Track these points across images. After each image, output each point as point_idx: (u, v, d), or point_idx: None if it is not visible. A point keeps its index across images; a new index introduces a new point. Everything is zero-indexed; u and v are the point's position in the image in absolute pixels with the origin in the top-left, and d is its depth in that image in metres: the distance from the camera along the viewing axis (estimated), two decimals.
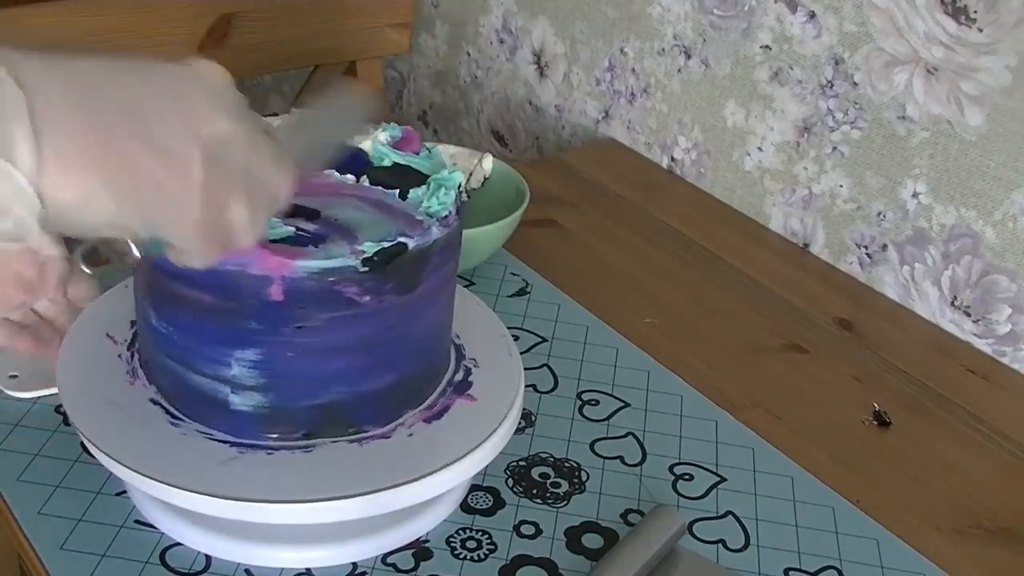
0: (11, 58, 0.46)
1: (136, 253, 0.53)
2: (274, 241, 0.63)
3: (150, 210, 0.49)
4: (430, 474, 0.67)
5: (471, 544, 0.72)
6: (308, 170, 0.60)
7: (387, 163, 0.73)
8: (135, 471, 0.65)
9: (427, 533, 0.73)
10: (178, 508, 0.68)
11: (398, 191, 0.70)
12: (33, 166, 0.45)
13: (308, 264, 0.62)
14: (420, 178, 0.71)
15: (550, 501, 0.76)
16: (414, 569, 0.70)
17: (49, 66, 0.47)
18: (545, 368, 0.90)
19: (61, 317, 0.71)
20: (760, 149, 1.17)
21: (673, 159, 1.28)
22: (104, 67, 0.49)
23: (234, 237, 0.54)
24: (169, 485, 0.64)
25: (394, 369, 0.69)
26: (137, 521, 0.72)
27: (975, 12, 0.94)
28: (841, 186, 1.10)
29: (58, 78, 0.47)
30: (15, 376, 0.82)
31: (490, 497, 0.76)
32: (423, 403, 0.72)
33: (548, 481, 0.78)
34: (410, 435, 0.70)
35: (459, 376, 0.74)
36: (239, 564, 0.69)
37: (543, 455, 0.81)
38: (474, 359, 0.76)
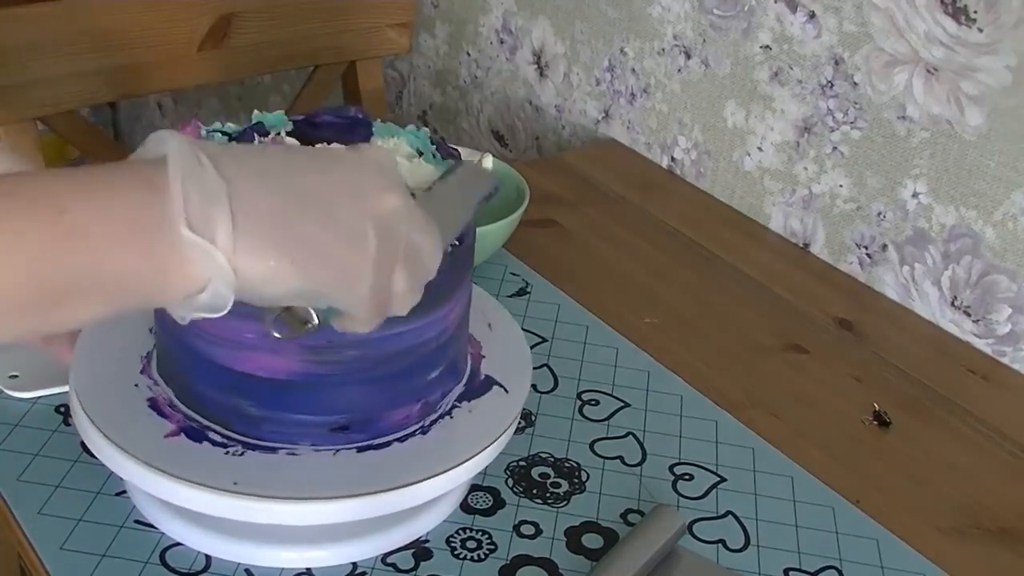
0: (210, 148, 0.52)
1: (316, 320, 0.57)
2: None
3: (328, 283, 0.55)
4: (429, 478, 0.67)
5: (471, 544, 0.72)
6: (451, 239, 0.65)
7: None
8: (138, 461, 0.65)
9: (427, 533, 0.73)
10: (178, 508, 0.68)
11: None
12: (230, 246, 0.51)
13: None
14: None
15: (550, 501, 0.76)
16: (414, 569, 0.70)
17: (241, 157, 0.54)
18: (545, 368, 0.90)
19: None
20: (760, 149, 1.17)
21: (673, 159, 1.28)
22: (286, 157, 0.56)
23: (395, 305, 0.59)
24: (171, 476, 0.64)
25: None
26: (137, 521, 0.72)
27: (975, 12, 0.94)
28: (841, 186, 1.10)
29: (250, 168, 0.53)
30: (15, 376, 0.82)
31: (490, 497, 0.76)
32: (433, 409, 0.72)
33: (548, 481, 0.78)
34: (417, 437, 0.70)
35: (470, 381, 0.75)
36: (239, 564, 0.69)
37: (543, 455, 0.81)
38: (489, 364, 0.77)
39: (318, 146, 0.68)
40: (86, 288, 0.50)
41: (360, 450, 0.68)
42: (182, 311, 0.54)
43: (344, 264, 0.55)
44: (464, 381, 0.75)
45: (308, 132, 0.73)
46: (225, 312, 0.53)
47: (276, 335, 0.58)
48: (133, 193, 0.50)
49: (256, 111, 0.75)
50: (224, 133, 0.72)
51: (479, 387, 0.74)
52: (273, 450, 0.67)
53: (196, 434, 0.68)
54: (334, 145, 0.69)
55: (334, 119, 0.74)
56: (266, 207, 0.52)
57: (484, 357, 0.77)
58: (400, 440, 0.69)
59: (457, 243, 0.68)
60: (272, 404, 0.67)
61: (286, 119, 0.74)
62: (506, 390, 0.74)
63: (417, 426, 0.70)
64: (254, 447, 0.67)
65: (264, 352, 0.65)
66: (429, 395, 0.71)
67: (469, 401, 0.73)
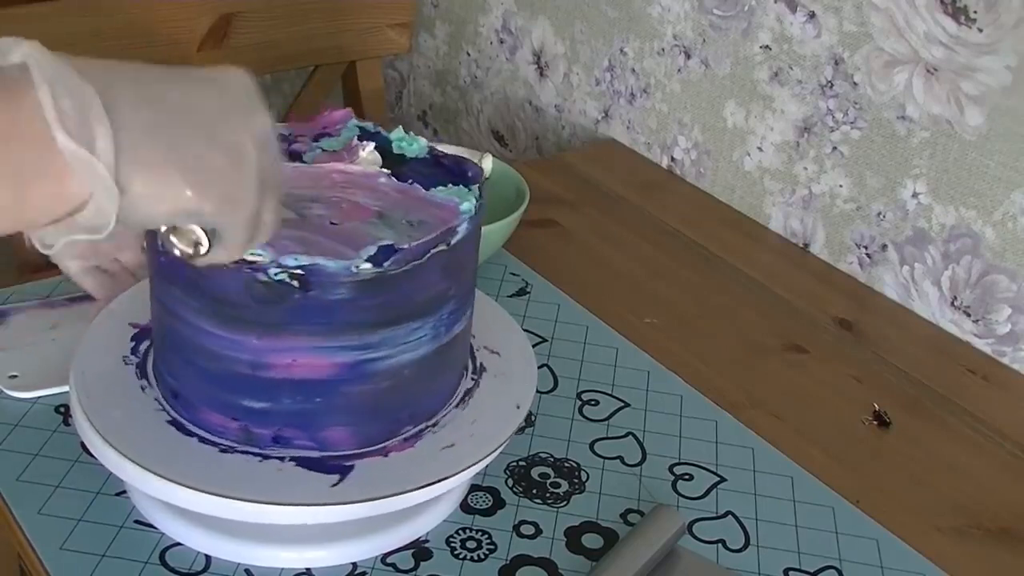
0: (73, 60, 0.47)
1: (206, 242, 0.54)
2: None
3: (217, 201, 0.51)
4: (427, 485, 0.67)
5: (471, 544, 0.72)
6: None
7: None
8: (138, 464, 0.65)
9: (427, 533, 0.73)
10: (178, 508, 0.68)
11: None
12: (112, 157, 0.46)
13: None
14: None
15: (550, 501, 0.76)
16: (414, 569, 0.70)
17: (109, 65, 0.48)
18: (545, 368, 0.90)
19: (141, 270, 0.76)
20: (760, 149, 1.17)
21: (673, 159, 1.28)
22: (157, 70, 0.51)
23: (262, 233, 0.56)
24: (170, 481, 0.64)
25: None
26: (137, 521, 0.72)
27: (975, 12, 0.94)
28: (841, 186, 1.10)
29: (122, 76, 0.48)
30: (15, 376, 0.82)
31: (490, 497, 0.76)
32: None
33: (548, 481, 0.78)
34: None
35: (471, 387, 0.75)
36: (239, 564, 0.69)
37: (543, 455, 0.81)
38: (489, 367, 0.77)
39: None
40: None
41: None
42: (52, 236, 0.49)
43: (231, 182, 0.51)
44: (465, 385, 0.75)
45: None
46: (103, 236, 0.48)
47: (177, 254, 0.54)
48: None
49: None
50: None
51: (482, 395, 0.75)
52: (273, 454, 0.67)
53: (307, 461, 0.67)
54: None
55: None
56: (146, 117, 0.48)
57: (489, 365, 0.77)
58: (399, 446, 0.69)
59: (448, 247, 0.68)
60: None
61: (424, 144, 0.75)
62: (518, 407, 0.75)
63: (418, 429, 0.70)
64: (252, 452, 0.67)
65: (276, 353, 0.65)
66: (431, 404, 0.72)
67: (469, 405, 0.73)
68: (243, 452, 0.67)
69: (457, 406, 0.72)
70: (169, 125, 0.49)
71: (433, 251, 0.64)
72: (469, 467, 0.68)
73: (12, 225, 0.47)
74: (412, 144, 0.74)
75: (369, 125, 0.75)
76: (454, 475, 0.67)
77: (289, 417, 0.66)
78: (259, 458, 0.66)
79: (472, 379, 0.75)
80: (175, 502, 0.65)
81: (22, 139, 0.45)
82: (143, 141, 0.48)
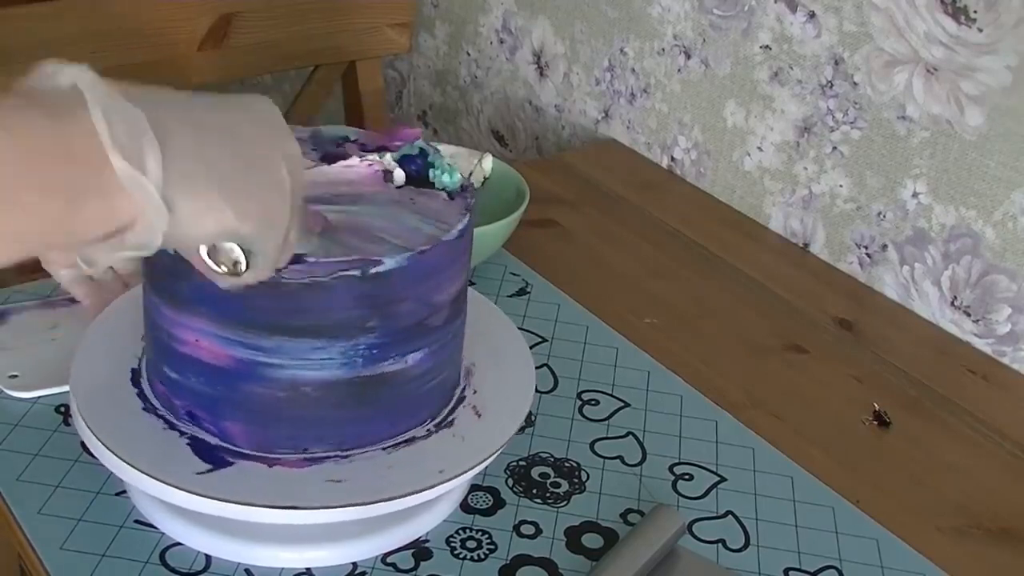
0: (117, 84, 0.49)
1: (246, 262, 0.55)
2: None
3: (257, 221, 0.53)
4: (426, 489, 0.67)
5: (471, 544, 0.72)
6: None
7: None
8: (136, 469, 0.65)
9: (427, 533, 0.73)
10: (178, 508, 0.68)
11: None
12: (160, 177, 0.48)
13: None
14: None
15: (550, 501, 0.76)
16: (414, 569, 0.70)
17: (150, 90, 0.50)
18: (545, 368, 0.90)
19: (134, 279, 0.76)
20: (760, 149, 1.17)
21: (673, 159, 1.28)
22: (188, 95, 0.53)
23: (288, 251, 0.58)
24: (170, 485, 0.64)
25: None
26: (137, 521, 0.72)
27: (975, 12, 0.94)
28: (841, 186, 1.10)
29: (163, 100, 0.50)
30: (15, 376, 0.82)
31: (490, 497, 0.76)
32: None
33: (548, 481, 0.78)
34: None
35: (467, 390, 0.75)
36: (239, 564, 0.69)
37: (543, 455, 0.81)
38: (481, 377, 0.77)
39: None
40: None
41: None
42: (101, 253, 0.50)
43: (268, 203, 0.53)
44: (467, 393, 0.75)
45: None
46: (149, 253, 0.50)
47: (222, 285, 0.56)
48: (34, 121, 0.46)
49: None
50: None
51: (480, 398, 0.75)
52: (271, 458, 0.67)
53: (200, 444, 0.68)
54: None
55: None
56: (191, 141, 0.50)
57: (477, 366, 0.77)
58: (398, 447, 0.69)
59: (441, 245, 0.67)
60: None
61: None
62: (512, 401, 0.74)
63: (325, 453, 0.69)
64: (251, 455, 0.67)
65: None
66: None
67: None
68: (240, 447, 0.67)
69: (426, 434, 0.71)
70: (212, 148, 0.51)
71: (340, 273, 0.62)
72: (445, 480, 0.68)
73: (66, 240, 0.49)
74: (450, 176, 0.73)
75: (427, 147, 0.73)
76: (429, 488, 0.67)
77: (196, 396, 0.67)
78: (165, 426, 0.68)
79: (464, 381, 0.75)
80: (175, 501, 0.65)
81: (76, 159, 0.46)
82: (189, 163, 0.49)
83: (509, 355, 0.78)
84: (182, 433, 0.68)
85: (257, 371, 0.65)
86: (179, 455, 0.67)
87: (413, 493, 0.66)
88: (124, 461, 0.65)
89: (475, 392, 0.74)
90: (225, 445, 0.67)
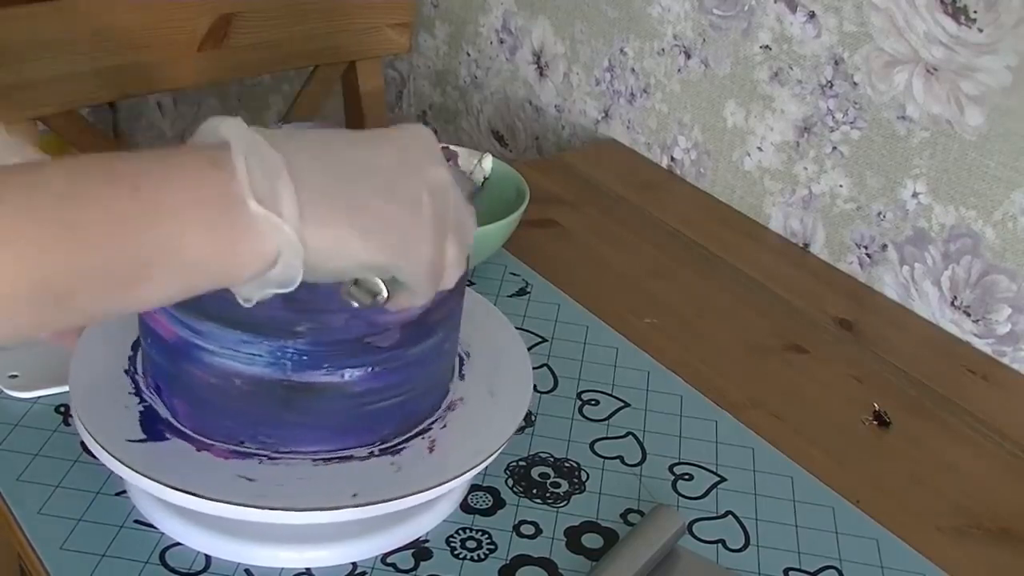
0: (262, 130, 0.53)
1: (385, 291, 0.58)
2: None
3: (393, 251, 0.56)
4: (426, 490, 0.67)
5: (471, 544, 0.72)
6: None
7: None
8: (81, 422, 0.67)
9: (427, 533, 0.73)
10: (178, 508, 0.68)
11: None
12: (296, 218, 0.52)
13: None
14: None
15: (550, 501, 0.76)
16: (414, 569, 0.70)
17: (293, 135, 0.54)
18: (545, 368, 0.90)
19: None
20: (760, 149, 1.17)
21: (673, 159, 1.28)
22: (335, 134, 0.57)
23: (447, 276, 0.60)
24: (99, 444, 0.66)
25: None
26: (137, 521, 0.72)
27: (975, 12, 0.94)
28: (841, 186, 1.10)
29: (303, 144, 0.54)
30: (15, 376, 0.82)
31: (490, 497, 0.76)
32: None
33: (548, 481, 0.78)
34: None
35: (437, 423, 0.73)
36: (239, 564, 0.69)
37: (543, 455, 0.81)
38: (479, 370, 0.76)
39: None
40: (163, 265, 0.50)
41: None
42: (250, 290, 0.54)
43: (406, 231, 0.56)
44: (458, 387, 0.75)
45: None
46: (292, 289, 0.54)
47: (356, 305, 0.59)
48: (197, 172, 0.51)
49: None
50: None
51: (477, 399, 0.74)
52: (205, 442, 0.68)
53: (150, 414, 0.69)
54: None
55: None
56: (325, 179, 0.53)
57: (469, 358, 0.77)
58: (329, 462, 0.68)
59: None
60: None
61: None
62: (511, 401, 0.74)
63: (257, 449, 0.68)
64: (188, 436, 0.68)
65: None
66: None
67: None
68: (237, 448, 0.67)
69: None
70: (345, 185, 0.54)
71: None
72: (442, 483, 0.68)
73: (224, 280, 0.53)
74: None
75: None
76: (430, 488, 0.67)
77: (156, 368, 0.69)
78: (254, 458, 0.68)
79: (460, 378, 0.75)
80: (174, 501, 0.65)
81: (230, 205, 0.51)
82: (322, 202, 0.53)
83: (506, 385, 0.76)
84: (142, 400, 0.70)
85: (194, 353, 0.65)
86: (126, 421, 0.68)
87: (285, 509, 0.64)
88: (78, 415, 0.68)
89: (444, 426, 0.71)
90: (172, 421, 0.69)
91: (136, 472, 0.65)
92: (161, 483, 0.65)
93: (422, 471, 0.68)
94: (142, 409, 0.69)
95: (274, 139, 0.53)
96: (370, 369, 0.66)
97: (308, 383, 0.65)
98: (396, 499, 0.66)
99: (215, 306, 0.62)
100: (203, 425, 0.68)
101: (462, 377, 0.76)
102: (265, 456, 0.67)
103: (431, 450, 0.69)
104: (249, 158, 0.51)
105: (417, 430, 0.71)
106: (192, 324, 0.64)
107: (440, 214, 0.57)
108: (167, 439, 0.68)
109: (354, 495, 0.65)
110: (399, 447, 0.69)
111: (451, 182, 0.58)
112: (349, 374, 0.66)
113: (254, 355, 0.64)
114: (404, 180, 0.56)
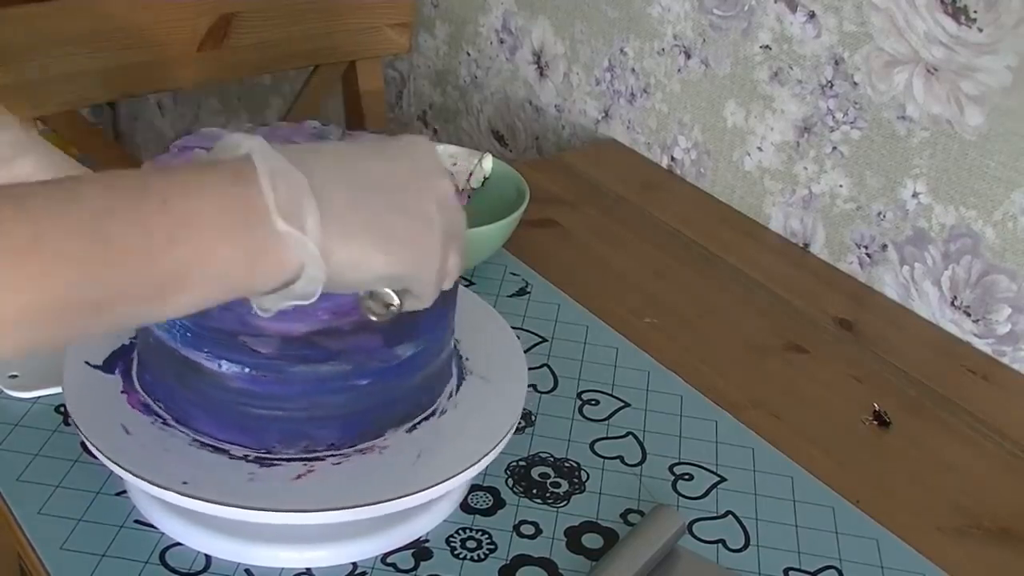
0: (281, 148, 0.55)
1: (397, 301, 0.60)
2: None
3: (408, 264, 0.58)
4: (424, 489, 0.67)
5: (471, 544, 0.72)
6: None
7: None
8: (136, 475, 0.66)
9: (427, 533, 0.73)
10: (178, 508, 0.68)
11: None
12: (319, 234, 0.54)
13: None
14: None
15: (550, 501, 0.76)
16: (414, 569, 0.70)
17: (313, 152, 0.57)
18: (545, 368, 0.90)
19: None
20: (760, 149, 1.17)
21: (673, 159, 1.28)
22: (350, 150, 0.59)
23: (447, 281, 0.62)
24: (167, 490, 0.65)
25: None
26: (137, 521, 0.72)
27: (975, 12, 0.94)
28: (841, 186, 1.10)
29: (323, 161, 0.56)
30: (15, 376, 0.82)
31: (490, 497, 0.76)
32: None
33: (548, 481, 0.78)
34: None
35: (458, 386, 0.74)
36: (239, 564, 0.69)
37: (543, 455, 0.81)
38: (476, 370, 0.76)
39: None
40: (190, 276, 0.52)
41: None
42: (271, 302, 0.56)
43: (419, 244, 0.58)
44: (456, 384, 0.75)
45: None
46: (312, 302, 0.55)
47: (373, 317, 0.61)
48: (223, 187, 0.53)
49: None
50: None
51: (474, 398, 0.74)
52: (271, 460, 0.67)
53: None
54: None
55: None
56: (345, 195, 0.55)
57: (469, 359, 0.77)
58: (204, 446, 0.68)
59: None
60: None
61: None
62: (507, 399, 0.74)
63: (236, 450, 0.68)
64: (251, 456, 0.68)
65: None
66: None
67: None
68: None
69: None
70: (365, 201, 0.56)
71: None
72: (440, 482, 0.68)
73: (245, 291, 0.55)
74: None
75: None
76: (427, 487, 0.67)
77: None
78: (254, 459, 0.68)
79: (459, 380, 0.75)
80: (174, 501, 0.65)
81: (253, 220, 0.52)
82: (344, 217, 0.55)
83: (503, 384, 0.75)
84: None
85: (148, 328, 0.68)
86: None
87: (281, 511, 0.65)
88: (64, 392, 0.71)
89: (444, 427, 0.71)
90: (147, 400, 0.71)
91: (132, 474, 0.65)
92: (160, 485, 0.65)
93: (422, 471, 0.68)
94: (123, 389, 0.72)
95: (293, 156, 0.54)
96: (247, 370, 0.66)
97: (195, 362, 0.67)
98: (391, 500, 0.66)
99: None
100: (140, 378, 0.72)
101: (462, 377, 0.76)
102: (161, 423, 0.69)
103: (309, 471, 0.68)
104: (274, 176, 0.53)
105: (418, 430, 0.71)
106: None
107: (447, 227, 0.60)
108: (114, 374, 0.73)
109: (184, 483, 0.65)
110: (271, 461, 0.68)
111: (455, 194, 0.61)
112: (227, 367, 0.66)
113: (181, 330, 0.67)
114: (416, 194, 0.59)
